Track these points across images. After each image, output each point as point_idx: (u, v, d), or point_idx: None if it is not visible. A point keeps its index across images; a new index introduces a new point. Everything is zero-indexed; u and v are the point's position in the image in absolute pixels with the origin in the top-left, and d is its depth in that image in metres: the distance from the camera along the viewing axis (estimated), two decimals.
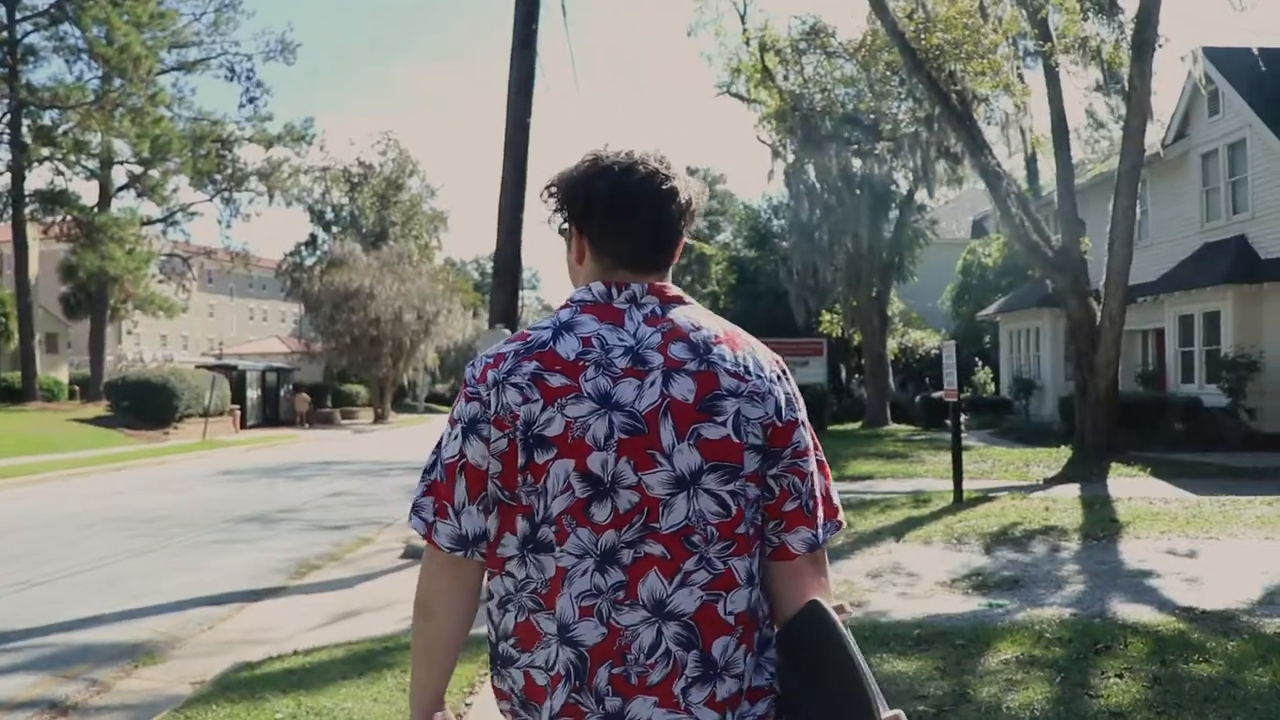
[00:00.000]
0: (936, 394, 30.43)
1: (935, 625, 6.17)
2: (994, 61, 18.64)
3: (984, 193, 52.17)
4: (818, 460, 1.81)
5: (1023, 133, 19.87)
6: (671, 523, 1.64)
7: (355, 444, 33.14)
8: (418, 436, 33.86)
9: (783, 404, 1.74)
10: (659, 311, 1.74)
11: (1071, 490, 13.63)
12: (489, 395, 1.68)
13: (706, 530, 1.66)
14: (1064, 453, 18.21)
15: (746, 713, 1.68)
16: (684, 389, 1.66)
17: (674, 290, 1.79)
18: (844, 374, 37.03)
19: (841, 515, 1.85)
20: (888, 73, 22.44)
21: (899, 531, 9.87)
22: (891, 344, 33.71)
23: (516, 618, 1.69)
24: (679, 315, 1.75)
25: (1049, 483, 15.03)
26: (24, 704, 5.59)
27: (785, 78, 26.89)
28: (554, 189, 1.82)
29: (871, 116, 23.76)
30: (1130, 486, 13.84)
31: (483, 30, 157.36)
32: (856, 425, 30.90)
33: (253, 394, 46.50)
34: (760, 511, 1.72)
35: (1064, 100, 18.18)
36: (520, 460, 1.65)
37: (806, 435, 1.78)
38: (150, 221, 47.56)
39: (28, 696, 5.74)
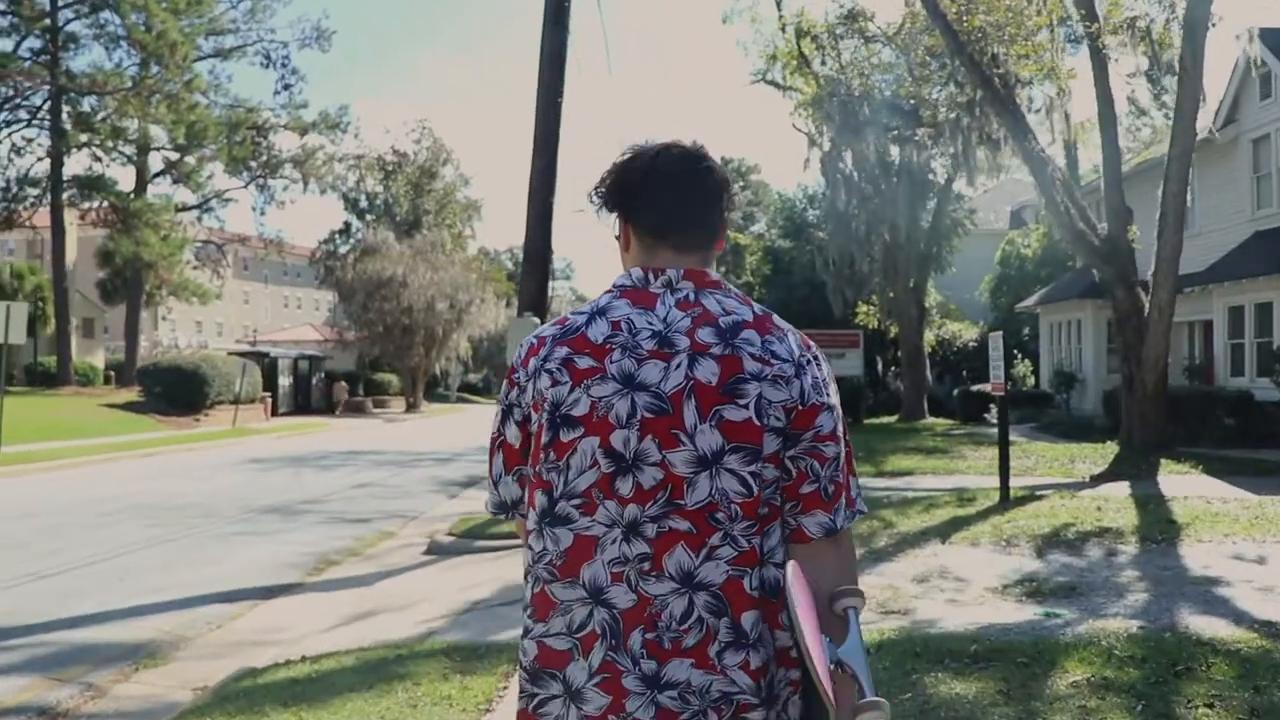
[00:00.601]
0: (976, 387, 29.87)
1: (991, 639, 5.69)
2: (1038, 44, 18.00)
3: (1022, 182, 51.69)
4: (842, 447, 1.82)
5: (1066, 118, 19.18)
6: (696, 500, 1.70)
7: (386, 433, 32.92)
8: (449, 427, 33.64)
9: (808, 388, 1.77)
10: (692, 297, 1.80)
11: (1121, 489, 13.07)
12: (527, 381, 1.81)
13: (730, 509, 1.71)
14: (1110, 449, 17.61)
15: (782, 677, 1.75)
16: (708, 372, 1.73)
17: (712, 276, 1.84)
18: (880, 367, 36.37)
19: (859, 505, 1.86)
20: (927, 58, 21.78)
21: (944, 532, 9.38)
22: (928, 336, 33.06)
23: (534, 589, 1.77)
24: (711, 301, 1.80)
25: (1096, 480, 14.48)
26: (11, 710, 5.24)
27: (822, 63, 26.31)
28: (599, 183, 1.93)
29: (911, 102, 23.08)
30: (1182, 485, 13.26)
31: (519, 18, 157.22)
32: (893, 419, 30.32)
33: (284, 381, 46.48)
34: (778, 492, 1.76)
35: (1110, 84, 17.47)
36: (545, 438, 1.75)
37: (831, 420, 1.79)
38: (186, 208, 47.63)
39: (16, 701, 5.40)
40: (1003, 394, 11.69)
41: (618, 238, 1.93)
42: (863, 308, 33.26)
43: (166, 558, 9.68)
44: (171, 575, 8.84)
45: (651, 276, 1.82)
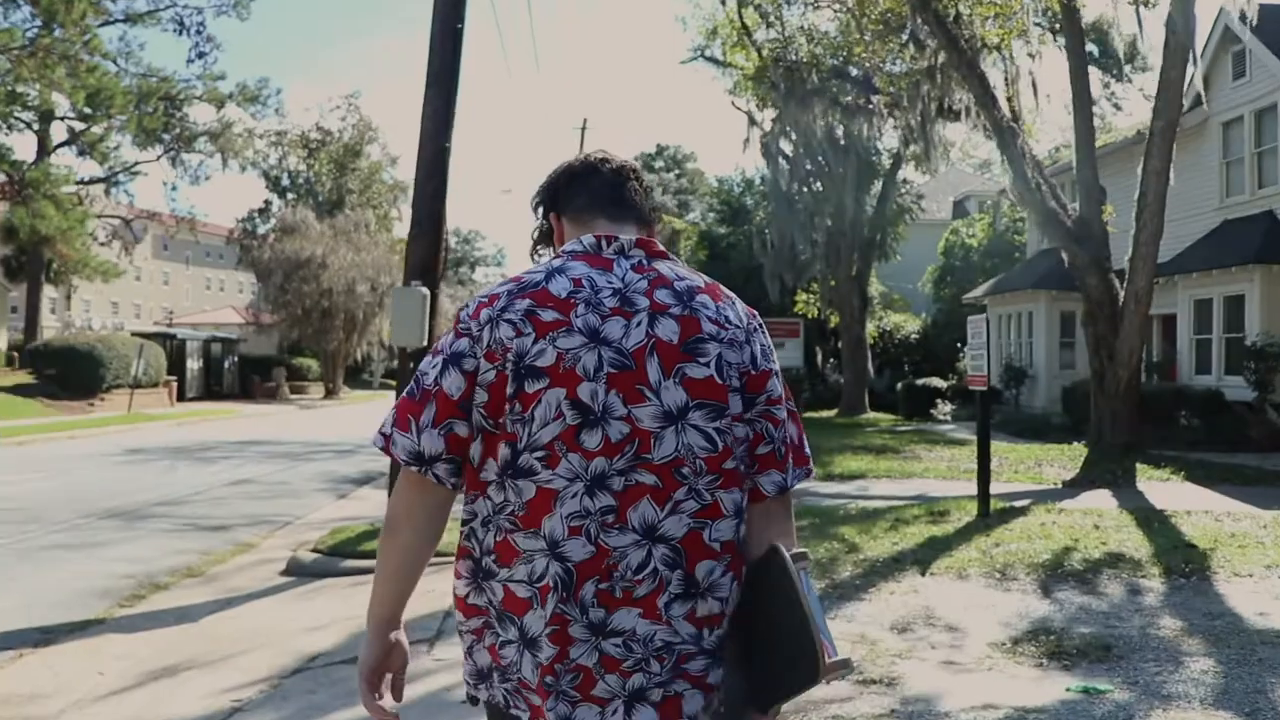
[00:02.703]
0: (922, 380, 28.40)
1: None
2: (1006, 5, 16.39)
3: (965, 173, 50.68)
4: (789, 410, 1.91)
5: (1034, 87, 17.58)
6: (662, 454, 1.74)
7: (295, 421, 30.70)
8: (364, 415, 31.39)
9: (758, 353, 1.86)
10: (646, 262, 1.87)
11: (1103, 498, 11.51)
12: (480, 331, 1.78)
13: (695, 463, 1.76)
14: (1077, 450, 16.11)
15: (721, 636, 1.79)
16: (669, 330, 1.78)
17: (660, 246, 1.92)
18: (820, 358, 34.79)
19: (811, 464, 1.96)
20: (880, 25, 20.06)
21: (922, 559, 7.62)
22: (870, 327, 31.52)
23: (495, 536, 1.78)
24: (664, 266, 1.88)
25: (1070, 487, 12.95)
26: None
27: (766, 28, 24.51)
28: (535, 206, 2.06)
29: (865, 67, 21.31)
30: (1170, 494, 11.74)
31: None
32: (832, 414, 28.68)
33: (193, 365, 43.87)
34: (746, 451, 1.83)
35: (1084, 47, 15.88)
36: (510, 389, 1.75)
37: (779, 384, 1.89)
38: (91, 181, 44.75)
39: None
40: (985, 389, 9.98)
41: (539, 249, 2.05)
42: (801, 296, 31.67)
43: None
44: None
45: (604, 243, 1.87)
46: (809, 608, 1.62)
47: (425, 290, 8.72)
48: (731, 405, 1.78)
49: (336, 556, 8.42)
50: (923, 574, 7.18)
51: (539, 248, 2.05)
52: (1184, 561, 7.45)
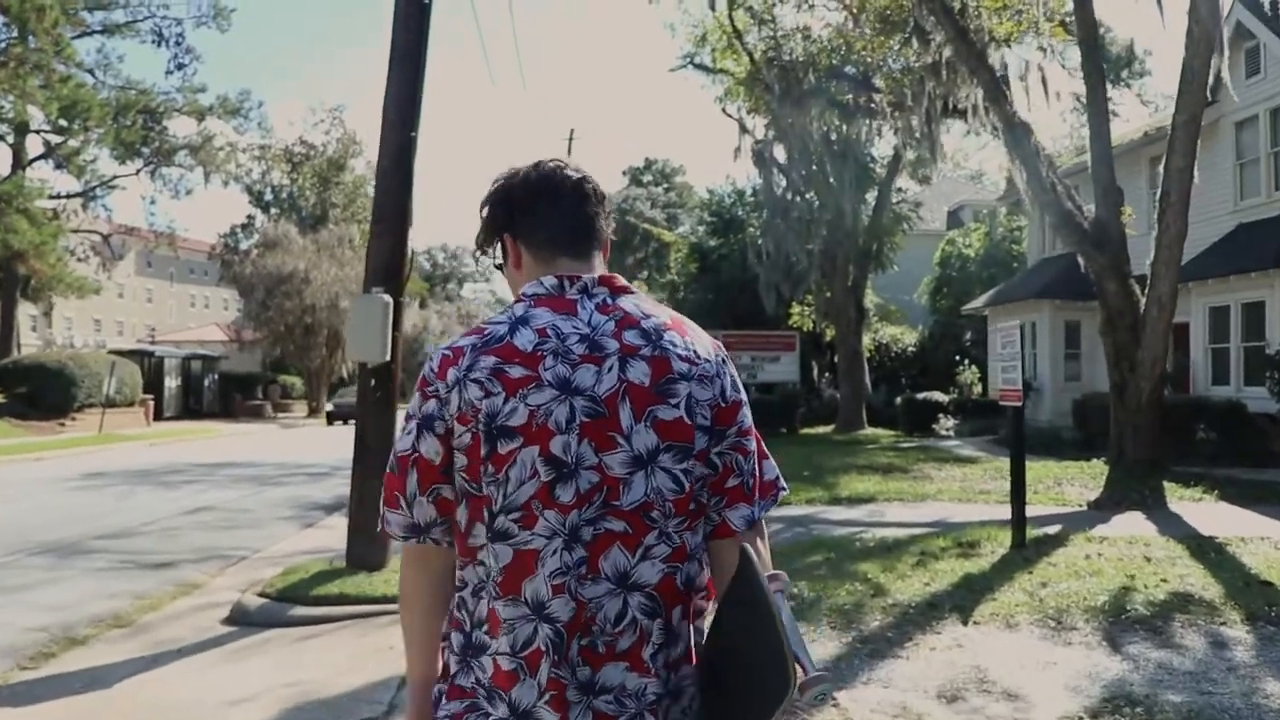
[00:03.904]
0: (923, 395, 27.40)
1: None
2: None
3: (959, 182, 49.83)
4: (758, 439, 1.88)
5: (1044, 84, 16.59)
6: (631, 499, 1.71)
7: (273, 441, 29.63)
8: (348, 434, 30.23)
9: (727, 386, 1.83)
10: (610, 300, 1.81)
11: (1137, 522, 10.55)
12: (449, 394, 1.73)
13: (665, 506, 1.72)
14: (1097, 467, 15.13)
15: (687, 674, 1.77)
16: (640, 373, 1.74)
17: (622, 281, 1.86)
18: (815, 372, 33.79)
19: (780, 487, 1.91)
20: (879, 24, 19.13)
21: (962, 603, 6.59)
22: (866, 340, 30.52)
23: (488, 604, 1.72)
24: (629, 304, 1.82)
25: (1096, 508, 12.02)
26: None
27: (758, 29, 23.54)
28: (480, 226, 1.94)
29: (866, 64, 20.30)
30: (1207, 516, 10.80)
31: (443, 17, 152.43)
32: (829, 429, 27.66)
33: (172, 383, 42.78)
34: (705, 488, 1.79)
35: (1099, 40, 14.93)
36: (483, 451, 1.70)
37: (748, 415, 1.86)
38: (67, 195, 43.68)
39: None
40: (1019, 405, 8.95)
41: (500, 263, 1.94)
42: (796, 308, 30.70)
43: None
44: None
45: (567, 283, 1.82)
46: (777, 614, 1.57)
47: (387, 298, 7.69)
48: (698, 444, 1.76)
49: (286, 602, 7.35)
50: (965, 622, 6.15)
51: (489, 253, 1.96)
52: (1265, 604, 6.44)
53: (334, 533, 10.70)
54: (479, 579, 1.73)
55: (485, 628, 1.72)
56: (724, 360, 1.86)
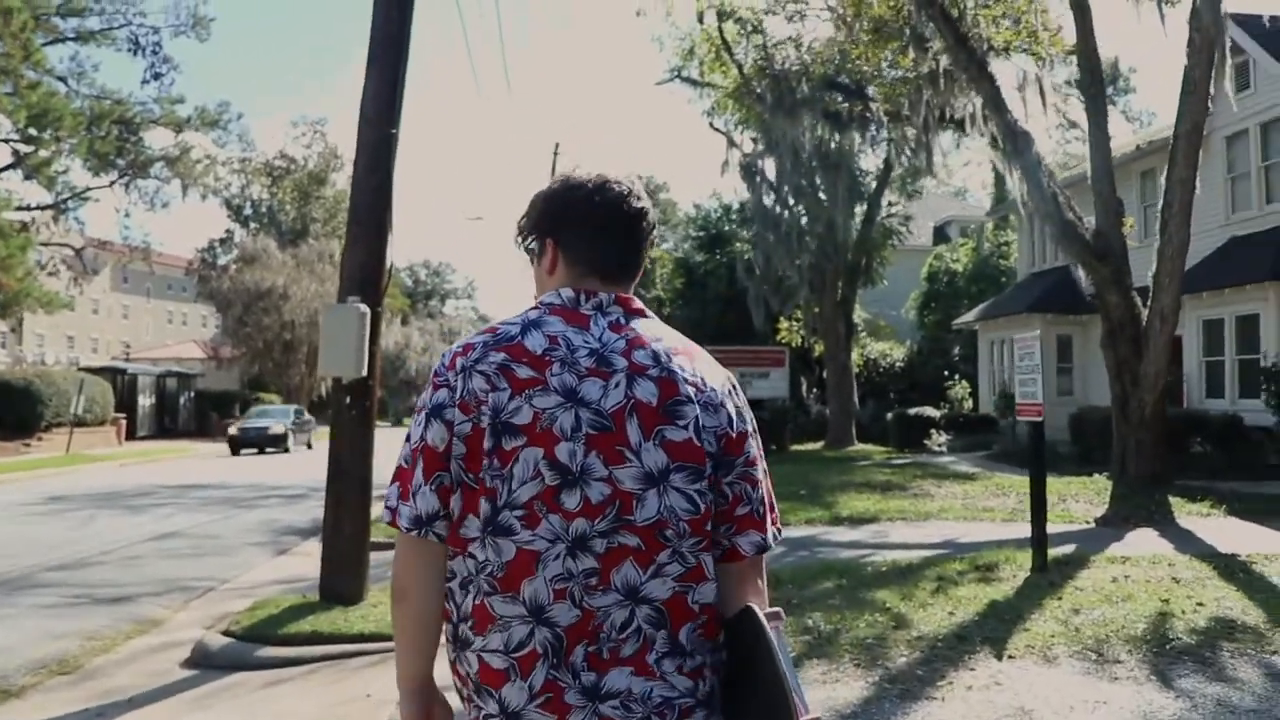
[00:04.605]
0: (914, 410, 26.94)
1: None
2: (1018, 5, 15.06)
3: (944, 198, 49.56)
4: (764, 469, 1.88)
5: (1041, 95, 16.17)
6: (645, 516, 1.70)
7: (249, 461, 28.90)
8: (324, 454, 29.59)
9: (734, 416, 1.82)
10: (623, 320, 1.83)
11: (1150, 540, 10.07)
12: (456, 380, 1.75)
13: (679, 525, 1.72)
14: (1099, 483, 14.69)
15: (714, 685, 1.76)
16: (647, 392, 1.74)
17: (638, 304, 1.88)
18: (804, 388, 33.30)
19: (779, 522, 1.91)
20: (873, 34, 18.69)
21: (991, 633, 6.04)
22: (854, 355, 30.06)
23: (474, 599, 1.71)
24: (641, 326, 1.83)
25: (1104, 524, 11.56)
26: None
27: (749, 38, 23.08)
28: (527, 210, 1.94)
29: (859, 74, 19.83)
30: (1220, 532, 10.36)
31: (427, 29, 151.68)
32: (818, 446, 27.15)
33: (145, 401, 41.98)
34: (715, 515, 1.78)
35: (1098, 47, 14.51)
36: (487, 444, 1.70)
37: (756, 445, 1.86)
38: (37, 207, 42.82)
39: None
40: (1039, 420, 8.45)
41: (535, 258, 1.93)
42: (784, 324, 30.24)
43: None
44: None
45: (583, 298, 1.83)
46: (783, 668, 1.60)
47: (364, 308, 7.13)
48: (708, 468, 1.75)
49: (254, 642, 6.72)
50: (999, 656, 5.61)
51: (526, 242, 1.95)
52: None
53: (309, 559, 10.09)
54: (468, 572, 1.71)
55: (470, 623, 1.71)
56: (731, 391, 1.85)
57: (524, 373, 1.71)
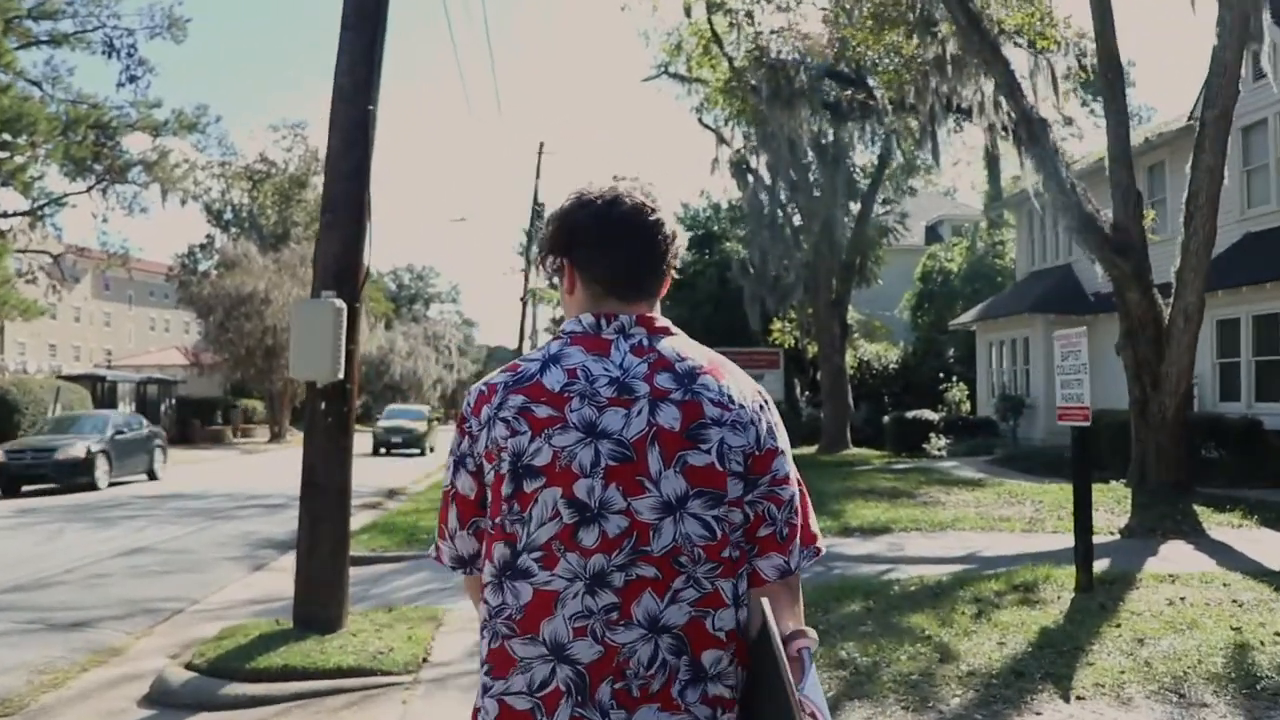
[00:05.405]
0: (913, 413, 26.31)
1: None
2: None
3: (936, 197, 48.98)
4: (800, 493, 1.82)
5: (1054, 82, 15.52)
6: (661, 545, 1.67)
7: (231, 469, 28.11)
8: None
9: (764, 433, 1.76)
10: (646, 342, 1.79)
11: (1187, 554, 9.48)
12: (480, 431, 1.76)
13: (694, 552, 1.68)
14: (1116, 490, 14.05)
15: (735, 710, 1.72)
16: (670, 417, 1.70)
17: (662, 321, 1.83)
18: (798, 390, 32.66)
19: (820, 542, 1.86)
20: (871, 20, 18.05)
21: (1051, 668, 5.35)
22: (848, 357, 29.41)
23: (490, 644, 1.71)
24: (665, 346, 1.79)
25: (1130, 535, 10.98)
26: None
27: (738, 29, 22.38)
28: (544, 231, 1.91)
29: (859, 62, 19.16)
30: (1258, 544, 9.85)
31: (413, 32, 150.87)
32: (813, 450, 26.47)
33: (125, 409, 40.98)
34: (741, 537, 1.74)
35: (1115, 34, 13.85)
36: (506, 489, 1.70)
37: (785, 463, 1.79)
38: (13, 214, 41.98)
39: None
40: (1085, 424, 7.78)
41: (554, 281, 1.89)
42: (777, 325, 29.57)
43: None
44: None
45: (604, 322, 1.80)
46: (789, 688, 1.54)
47: (340, 303, 6.40)
48: (730, 491, 1.71)
49: (219, 677, 5.96)
50: (1065, 697, 4.91)
51: (547, 268, 1.91)
52: None
53: (286, 576, 9.27)
54: (483, 617, 1.74)
55: (489, 668, 1.71)
56: (762, 406, 1.80)
57: (543, 412, 1.70)
